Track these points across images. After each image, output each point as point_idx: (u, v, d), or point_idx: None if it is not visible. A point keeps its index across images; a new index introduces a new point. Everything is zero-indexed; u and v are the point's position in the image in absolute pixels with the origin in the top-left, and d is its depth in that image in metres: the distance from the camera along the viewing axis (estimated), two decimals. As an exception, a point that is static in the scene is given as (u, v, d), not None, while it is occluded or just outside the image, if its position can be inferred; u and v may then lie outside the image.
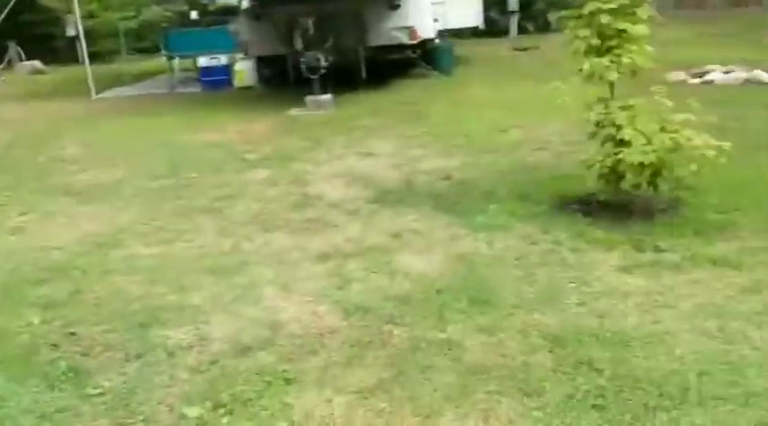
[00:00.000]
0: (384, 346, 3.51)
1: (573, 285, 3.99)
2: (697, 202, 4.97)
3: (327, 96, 8.87)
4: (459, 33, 13.29)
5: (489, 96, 8.82)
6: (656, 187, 4.82)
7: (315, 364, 3.39)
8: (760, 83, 8.41)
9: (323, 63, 8.89)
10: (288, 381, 3.24)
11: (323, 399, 3.10)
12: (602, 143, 4.91)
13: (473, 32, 14.55)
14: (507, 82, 9.78)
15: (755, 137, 6.28)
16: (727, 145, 4.50)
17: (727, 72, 8.86)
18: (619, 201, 4.99)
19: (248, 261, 4.63)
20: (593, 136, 4.96)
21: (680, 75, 8.86)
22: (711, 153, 4.47)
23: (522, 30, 16.86)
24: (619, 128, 4.74)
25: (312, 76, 8.93)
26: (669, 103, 4.69)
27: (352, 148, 7.07)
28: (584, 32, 4.70)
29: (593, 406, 2.86)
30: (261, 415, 3.00)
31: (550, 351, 3.32)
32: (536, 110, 7.77)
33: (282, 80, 11.01)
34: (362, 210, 5.43)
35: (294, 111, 8.73)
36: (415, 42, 10.19)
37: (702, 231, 4.55)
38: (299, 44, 9.21)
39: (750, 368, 3.06)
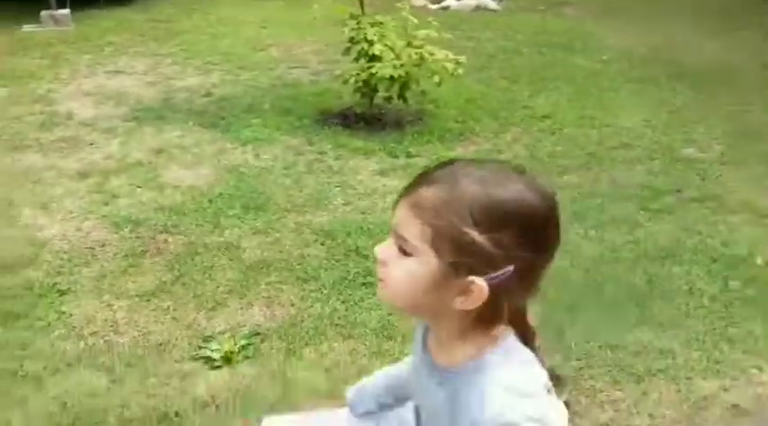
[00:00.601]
0: (161, 253, 3.54)
1: (338, 188, 4.30)
2: (439, 113, 5.54)
3: (65, 11, 8.12)
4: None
5: (244, 15, 8.71)
6: (405, 99, 5.27)
7: (88, 275, 3.33)
8: (487, 9, 9.35)
9: (56, -25, 8.09)
10: (62, 292, 3.17)
11: (103, 305, 3.09)
12: (356, 58, 5.21)
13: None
14: (260, 1, 9.71)
15: (484, 57, 7.05)
16: (463, 58, 5.05)
17: None
18: (373, 114, 5.39)
19: (-5, 182, 4.28)
20: (347, 51, 5.24)
21: (420, 1, 9.50)
22: (451, 66, 5.00)
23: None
24: (370, 43, 5.07)
25: (45, -11, 8.10)
26: (414, 20, 5.11)
27: (101, 67, 6.64)
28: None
29: (363, 284, 3.22)
30: (36, 326, 2.92)
31: (322, 244, 3.61)
32: (292, 30, 7.89)
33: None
34: (119, 128, 5.21)
35: (28, 28, 7.89)
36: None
37: (445, 138, 5.12)
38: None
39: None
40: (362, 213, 3.98)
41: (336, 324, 2.91)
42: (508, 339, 1.02)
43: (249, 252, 3.54)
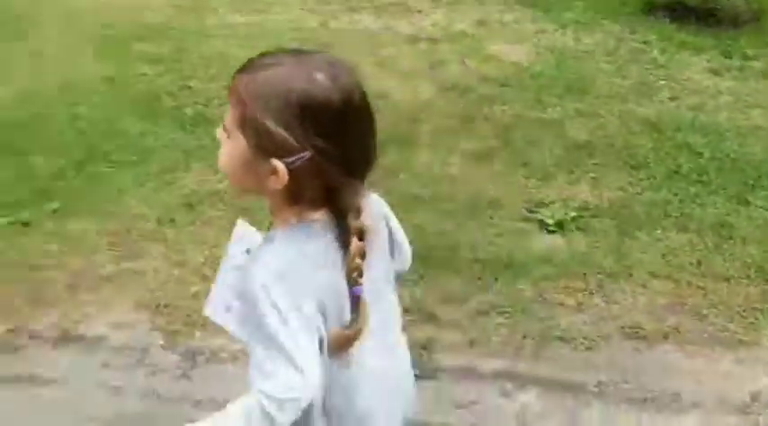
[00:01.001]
0: (487, 120, 3.70)
1: (664, 82, 4.11)
2: (784, 16, 4.96)
3: None
4: None
5: None
6: (747, -5, 4.78)
7: (424, 130, 3.60)
8: None
9: None
10: (401, 142, 3.44)
11: (438, 159, 3.35)
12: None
13: None
14: None
15: None
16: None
17: None
18: (707, 8, 4.96)
19: (339, 37, 4.68)
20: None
21: None
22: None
23: None
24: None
25: None
26: None
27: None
28: None
29: (697, 181, 3.12)
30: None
31: (650, 135, 3.53)
32: None
33: None
34: (443, -1, 5.38)
35: None
36: None
37: (788, 43, 4.60)
38: None
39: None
40: (692, 110, 3.78)
41: (670, 215, 2.88)
42: (306, 225, 1.07)
43: (573, 132, 3.57)
